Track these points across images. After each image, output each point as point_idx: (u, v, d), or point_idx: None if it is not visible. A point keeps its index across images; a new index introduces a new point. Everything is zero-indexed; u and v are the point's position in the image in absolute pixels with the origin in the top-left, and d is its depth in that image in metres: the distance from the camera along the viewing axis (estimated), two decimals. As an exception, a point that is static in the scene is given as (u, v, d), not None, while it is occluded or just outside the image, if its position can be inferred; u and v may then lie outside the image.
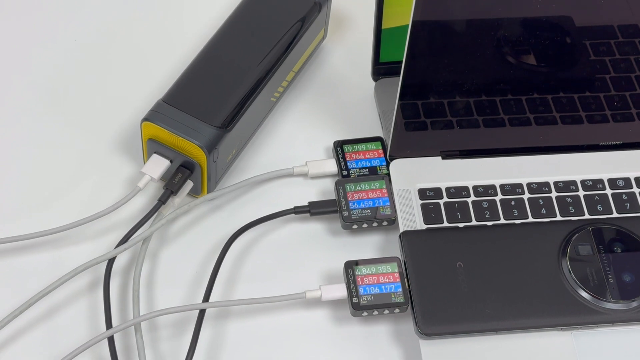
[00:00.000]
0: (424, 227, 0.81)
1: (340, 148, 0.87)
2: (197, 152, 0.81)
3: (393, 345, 0.79)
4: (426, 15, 0.77)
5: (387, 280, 0.78)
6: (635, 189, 0.84)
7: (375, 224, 0.83)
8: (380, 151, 0.87)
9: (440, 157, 0.85)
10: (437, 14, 0.78)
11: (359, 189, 0.83)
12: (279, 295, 0.78)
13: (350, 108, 0.92)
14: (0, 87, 0.92)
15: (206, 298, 0.78)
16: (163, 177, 0.84)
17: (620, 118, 0.86)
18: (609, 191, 0.84)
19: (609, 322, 0.77)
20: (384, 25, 0.88)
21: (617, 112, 0.86)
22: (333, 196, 0.85)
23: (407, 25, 0.77)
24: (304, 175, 0.88)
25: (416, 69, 0.80)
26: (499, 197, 0.83)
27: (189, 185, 0.84)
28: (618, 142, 0.87)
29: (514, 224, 0.82)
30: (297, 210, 0.84)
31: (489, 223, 0.82)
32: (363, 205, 0.83)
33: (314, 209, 0.84)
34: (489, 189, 0.84)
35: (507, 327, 0.76)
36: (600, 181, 0.85)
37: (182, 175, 0.83)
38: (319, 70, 0.95)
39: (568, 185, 0.84)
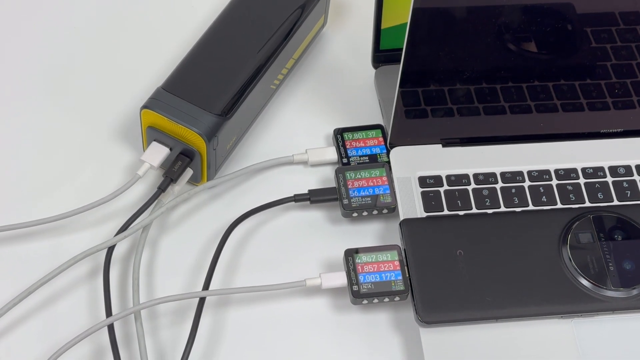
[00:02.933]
0: (424, 215, 0.81)
1: (340, 136, 0.87)
2: (196, 140, 0.81)
3: (393, 333, 0.79)
4: (426, 2, 0.76)
5: (387, 268, 0.78)
6: (636, 177, 0.84)
7: (375, 212, 0.83)
8: (381, 139, 0.87)
9: (440, 145, 0.85)
10: (437, 1, 0.77)
11: (359, 176, 0.83)
12: (279, 283, 0.78)
13: (350, 96, 0.92)
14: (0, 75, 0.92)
15: (206, 286, 0.78)
16: (163, 165, 0.83)
17: (621, 105, 0.86)
18: (609, 179, 0.84)
19: (609, 310, 0.77)
20: (384, 25, 0.88)
21: (618, 100, 0.86)
22: (333, 184, 0.85)
23: (406, 23, 0.77)
24: (304, 163, 0.88)
25: (417, 56, 0.80)
26: (499, 185, 0.83)
27: (188, 173, 0.83)
28: (619, 130, 0.87)
29: (515, 211, 0.82)
30: (297, 198, 0.84)
31: (490, 211, 0.82)
32: (363, 193, 0.83)
33: (314, 197, 0.84)
34: (489, 177, 0.83)
35: (507, 315, 0.76)
36: (601, 169, 0.84)
37: (181, 163, 0.82)
38: (319, 57, 0.95)
39: (569, 173, 0.84)
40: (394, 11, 0.87)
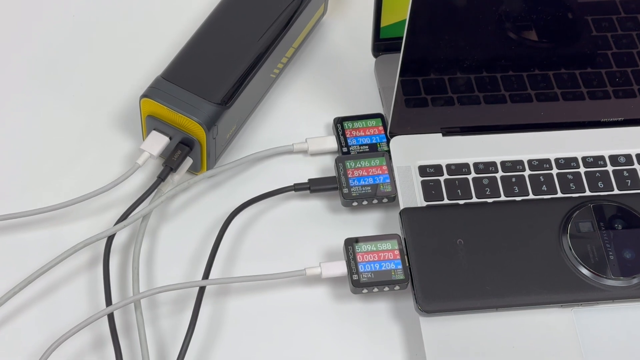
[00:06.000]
0: (424, 204, 0.81)
1: (340, 125, 0.87)
2: (196, 129, 0.81)
3: (393, 322, 0.79)
4: (427, -10, 0.76)
5: (387, 257, 0.78)
6: (636, 166, 0.84)
7: (375, 201, 0.83)
8: (381, 128, 0.87)
9: (440, 134, 0.85)
10: (437, -10, 0.77)
11: (359, 165, 0.83)
12: (279, 273, 0.78)
13: (350, 84, 0.92)
14: (-1, 63, 0.92)
15: (206, 275, 0.78)
16: (162, 154, 0.83)
17: (622, 94, 0.86)
18: (610, 168, 0.84)
19: (609, 299, 0.77)
20: (383, 24, 0.88)
21: (619, 89, 0.85)
22: (333, 173, 0.85)
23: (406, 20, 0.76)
24: (304, 152, 0.87)
25: (417, 45, 0.79)
26: (499, 174, 0.83)
27: (188, 162, 0.83)
28: (619, 119, 0.86)
29: (515, 200, 0.82)
30: (297, 188, 0.83)
31: (490, 200, 0.82)
32: (363, 182, 0.82)
33: (313, 186, 0.84)
34: (489, 166, 0.83)
35: (507, 304, 0.76)
36: (602, 158, 0.84)
37: (181, 152, 0.82)
38: (319, 46, 0.94)
39: (569, 162, 0.84)
40: (393, 13, 0.87)
